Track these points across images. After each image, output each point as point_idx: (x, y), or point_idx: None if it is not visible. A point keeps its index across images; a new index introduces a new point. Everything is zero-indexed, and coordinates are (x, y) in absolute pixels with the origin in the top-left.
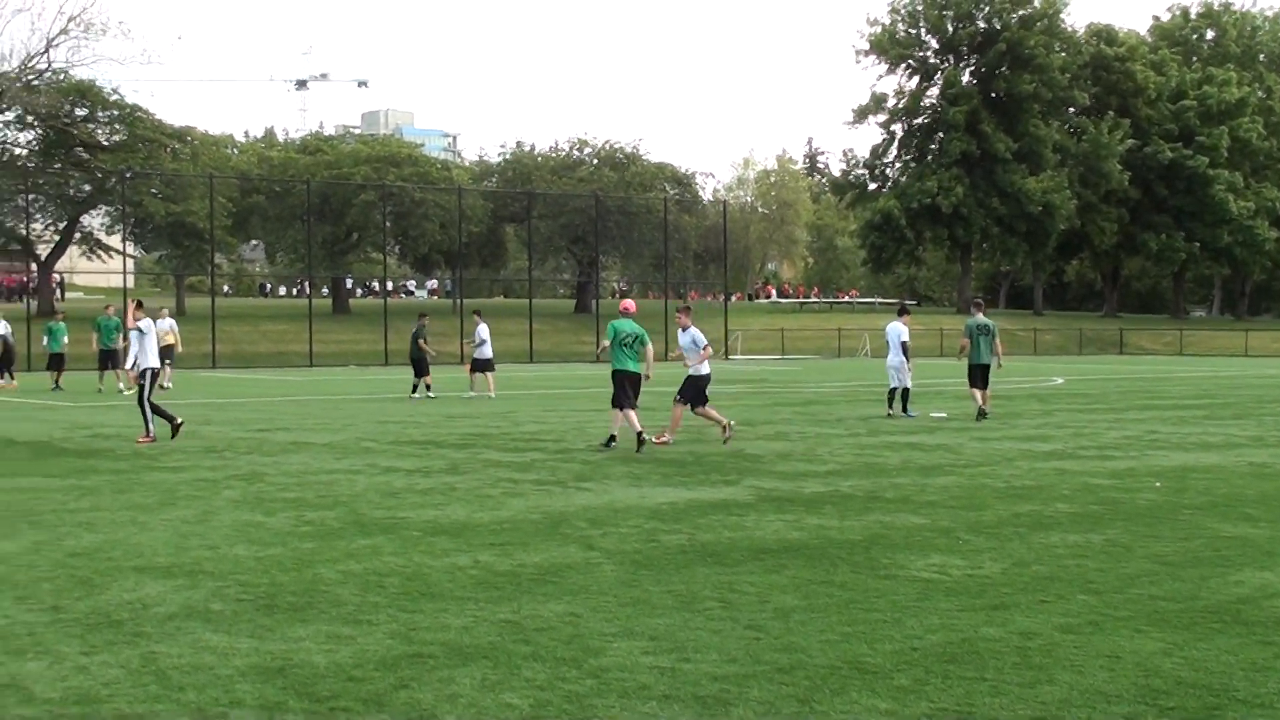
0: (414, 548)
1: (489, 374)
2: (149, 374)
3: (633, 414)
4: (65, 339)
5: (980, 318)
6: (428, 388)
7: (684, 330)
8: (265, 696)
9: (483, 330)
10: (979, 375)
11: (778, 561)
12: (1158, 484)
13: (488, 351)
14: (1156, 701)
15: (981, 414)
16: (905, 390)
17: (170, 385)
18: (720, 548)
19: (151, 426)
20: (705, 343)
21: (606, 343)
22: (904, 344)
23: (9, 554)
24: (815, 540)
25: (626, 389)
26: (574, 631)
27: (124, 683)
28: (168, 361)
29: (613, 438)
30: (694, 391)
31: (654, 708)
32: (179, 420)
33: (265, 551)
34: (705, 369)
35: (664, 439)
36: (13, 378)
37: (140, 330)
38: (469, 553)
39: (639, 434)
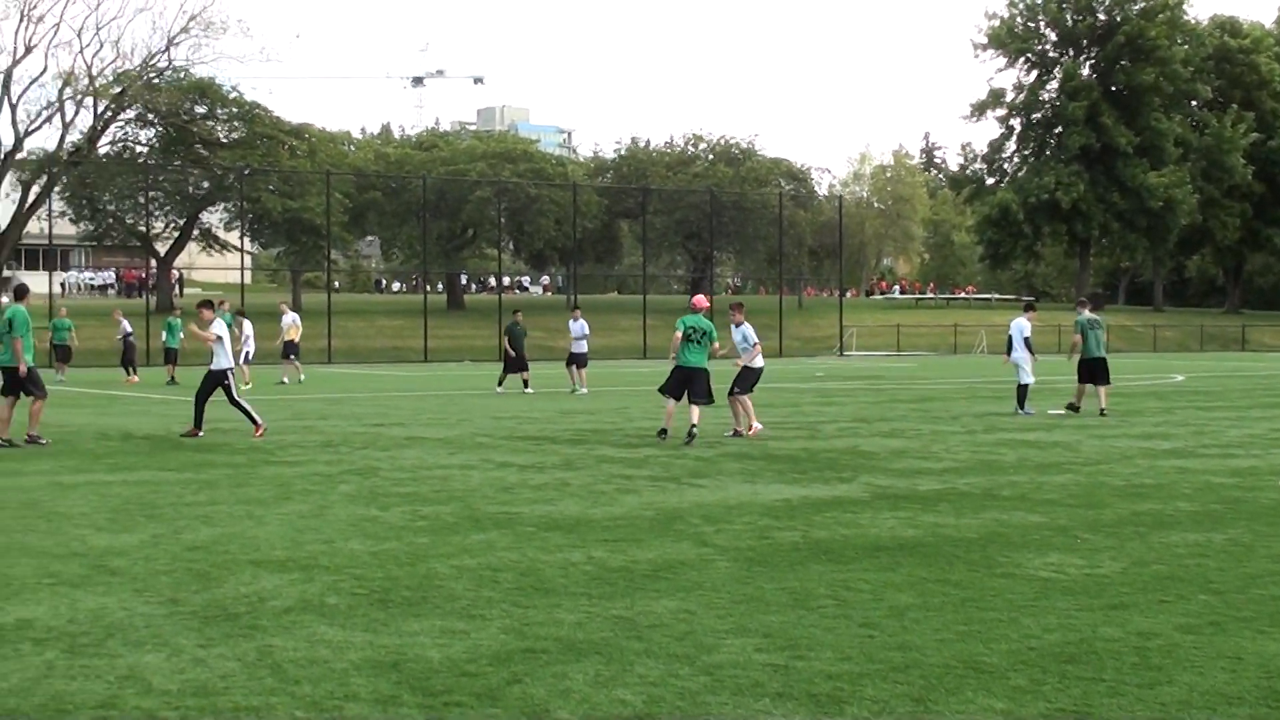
0: (528, 543)
1: (583, 369)
2: (229, 374)
3: (695, 409)
4: (182, 334)
5: (1088, 314)
6: (525, 384)
7: (736, 326)
8: (379, 690)
9: (582, 325)
10: (1099, 370)
11: (893, 559)
12: None
13: (584, 346)
14: (1279, 704)
15: (1073, 408)
16: (1024, 387)
17: (304, 378)
18: (835, 545)
19: (258, 419)
20: (756, 340)
21: (679, 334)
22: (1026, 339)
23: (127, 547)
24: (931, 538)
25: (680, 382)
26: (687, 628)
27: (240, 675)
28: (292, 356)
29: (663, 431)
30: (749, 384)
31: (767, 705)
32: (200, 433)
33: (380, 546)
34: (759, 363)
35: (755, 428)
36: (134, 373)
37: (219, 335)
38: (582, 548)
39: (691, 426)
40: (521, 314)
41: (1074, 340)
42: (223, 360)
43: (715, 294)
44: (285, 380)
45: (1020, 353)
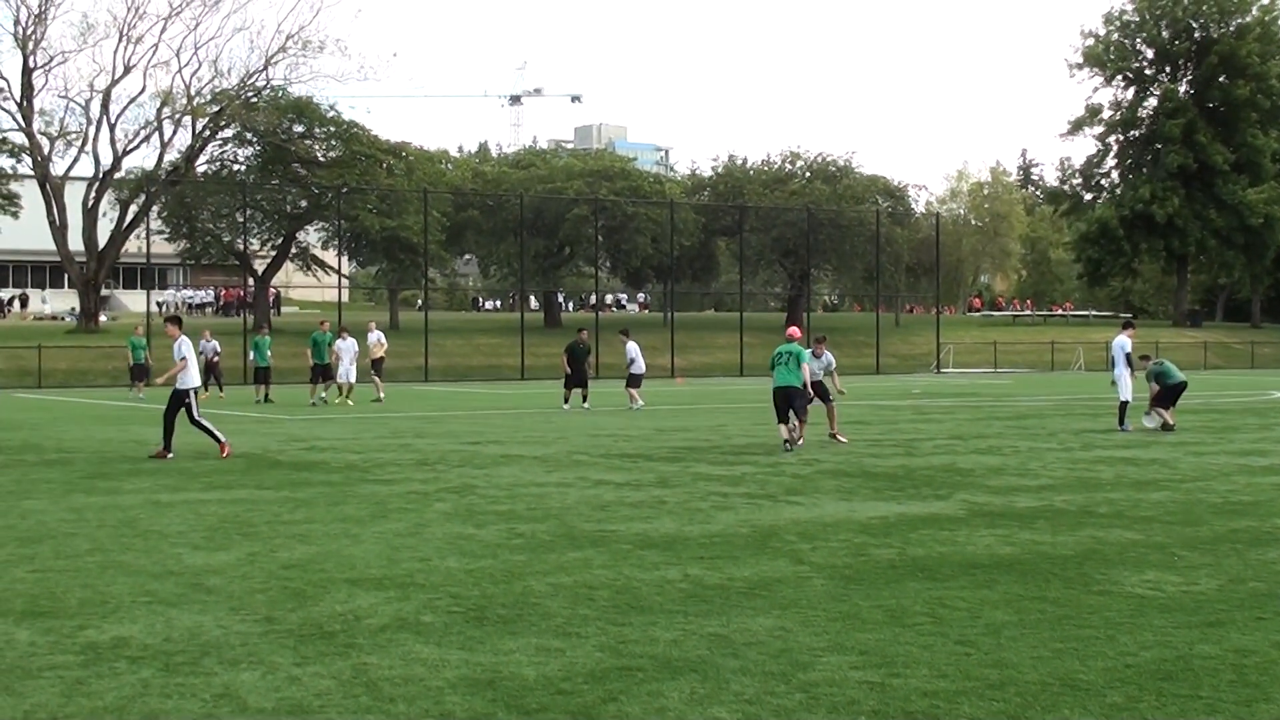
0: (624, 561)
1: (636, 389)
2: (192, 393)
3: (798, 423)
4: (269, 352)
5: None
6: (584, 399)
7: (819, 357)
8: (475, 709)
9: (631, 348)
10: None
11: (989, 576)
12: None
13: (640, 368)
14: None
15: (1167, 427)
16: (1124, 404)
17: (383, 396)
18: (931, 562)
19: (222, 438)
20: (835, 366)
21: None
22: (1127, 355)
23: (224, 565)
24: (1027, 555)
25: (779, 403)
26: (783, 645)
27: (335, 694)
28: (373, 373)
29: (786, 443)
30: (819, 393)
31: None
32: (224, 443)
33: (476, 564)
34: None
35: (840, 437)
36: (221, 389)
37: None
38: (678, 566)
39: (792, 438)
40: (586, 333)
41: (1153, 389)
42: (188, 380)
43: (811, 310)
44: (382, 398)
45: (1120, 369)
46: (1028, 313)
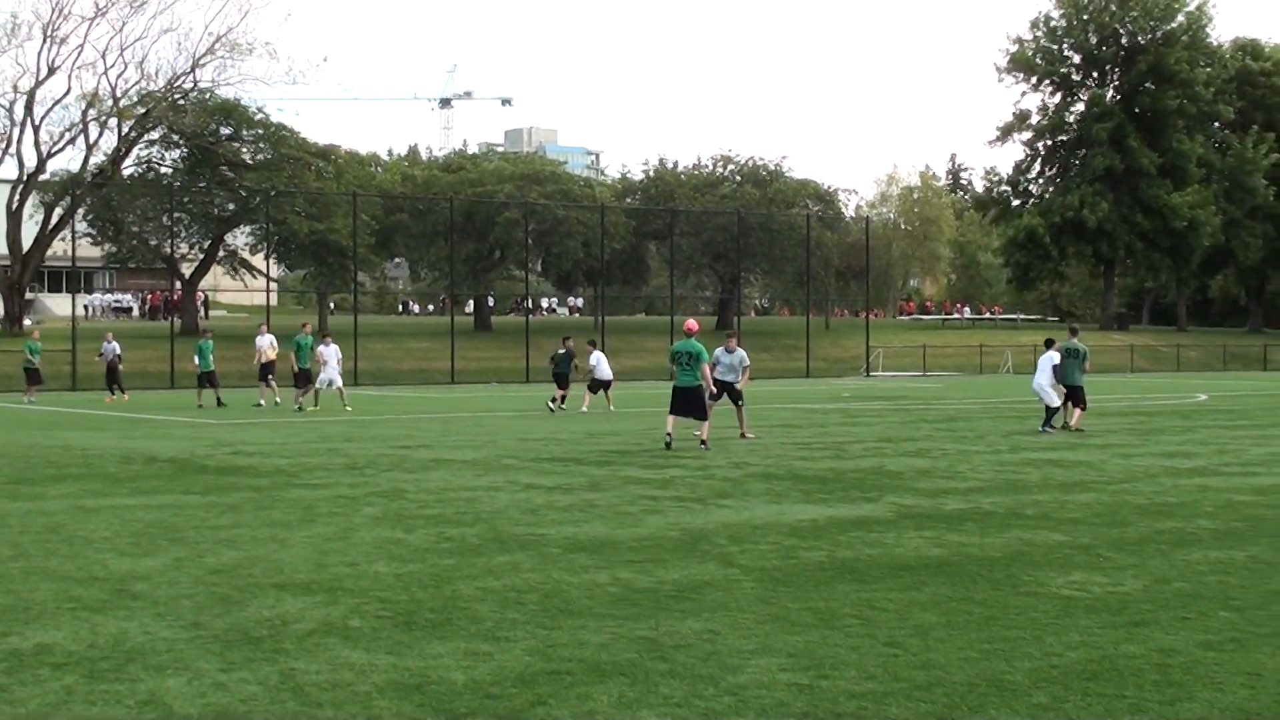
0: (553, 564)
1: (608, 392)
2: None
3: (705, 425)
4: (212, 356)
5: (1073, 342)
6: (561, 400)
7: (731, 353)
8: (403, 713)
9: (595, 356)
10: (1075, 396)
11: (917, 578)
12: None
13: (606, 374)
14: None
15: (1063, 425)
16: (1051, 410)
17: (280, 401)
18: (859, 564)
19: None
20: (749, 364)
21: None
22: (1055, 367)
23: (150, 571)
24: (955, 557)
25: (677, 401)
26: (712, 649)
27: (262, 699)
28: (270, 377)
29: (668, 441)
30: (731, 394)
31: None
32: None
33: (405, 568)
34: (732, 377)
35: (748, 434)
36: (120, 393)
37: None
38: (608, 569)
39: (702, 441)
40: (572, 341)
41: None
42: None
43: (743, 315)
44: (262, 403)
45: (1044, 376)
46: (956, 316)
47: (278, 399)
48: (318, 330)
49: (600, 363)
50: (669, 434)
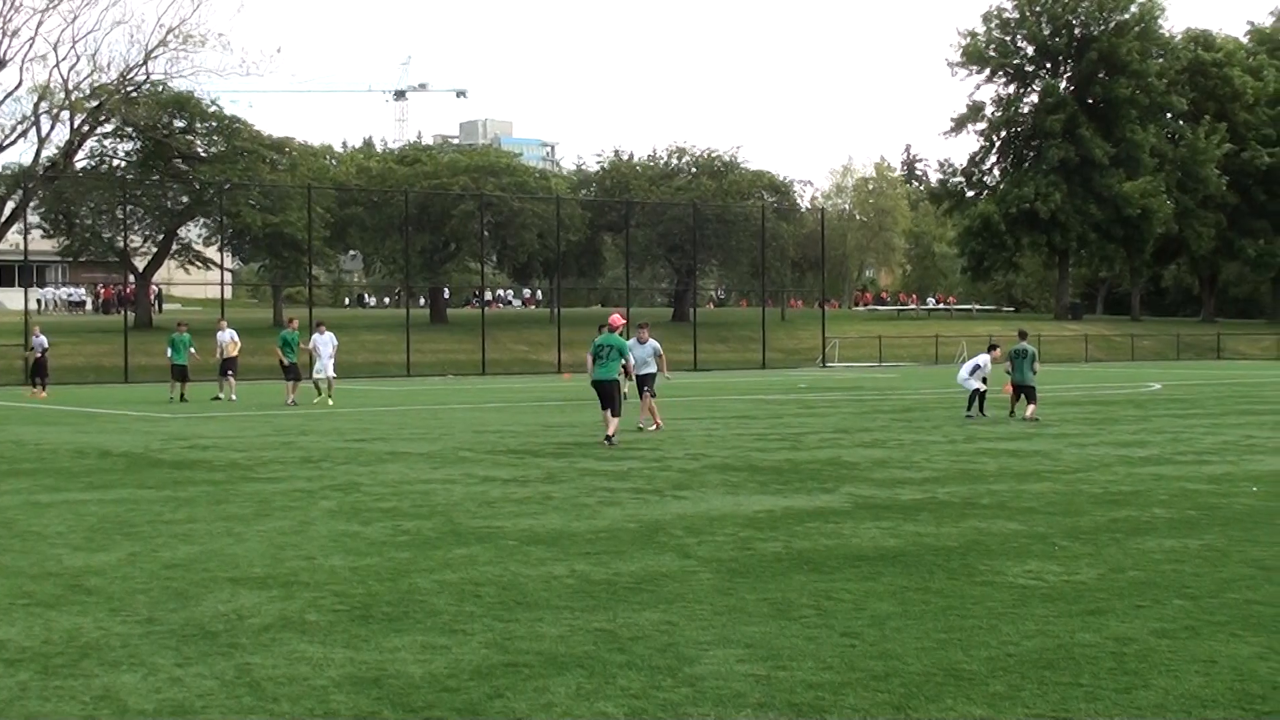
0: (510, 557)
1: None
2: None
3: (613, 421)
4: (186, 350)
5: (1024, 344)
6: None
7: (643, 344)
8: (360, 707)
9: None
10: (1026, 393)
11: (874, 569)
12: (1255, 489)
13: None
14: (1252, 706)
15: (1010, 414)
16: (978, 394)
17: (235, 398)
18: (816, 555)
19: None
20: (661, 351)
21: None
22: (978, 366)
23: (104, 566)
24: (912, 547)
25: (600, 396)
26: (669, 640)
27: (218, 694)
28: (230, 373)
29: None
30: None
31: (749, 716)
32: None
33: (361, 561)
34: (652, 368)
35: (650, 426)
36: (44, 388)
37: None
38: (565, 561)
39: (607, 437)
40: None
41: (1006, 366)
42: None
43: (699, 306)
44: (221, 397)
45: (964, 369)
46: (912, 307)
47: (234, 395)
48: (318, 324)
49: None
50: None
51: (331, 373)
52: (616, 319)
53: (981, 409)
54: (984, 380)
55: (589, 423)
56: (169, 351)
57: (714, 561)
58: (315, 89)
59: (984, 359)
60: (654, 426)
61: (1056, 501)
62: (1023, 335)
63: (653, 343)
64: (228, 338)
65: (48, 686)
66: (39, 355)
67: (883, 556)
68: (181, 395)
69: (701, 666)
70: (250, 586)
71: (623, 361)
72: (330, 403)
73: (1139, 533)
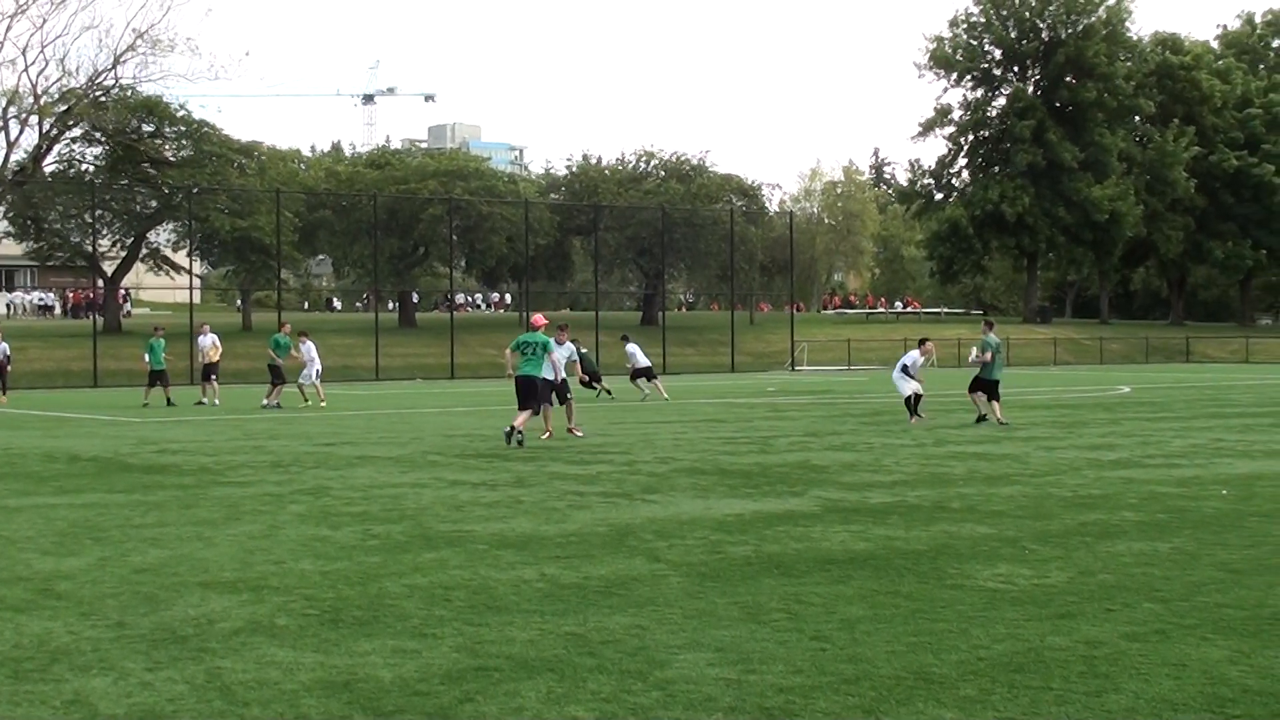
0: (480, 561)
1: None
2: None
3: (522, 414)
4: (163, 354)
5: (993, 336)
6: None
7: (560, 345)
8: (330, 711)
9: (631, 349)
10: (994, 388)
11: (844, 572)
12: (1224, 492)
13: (644, 361)
14: (1223, 710)
15: (982, 418)
16: (908, 398)
17: (219, 402)
18: (786, 559)
19: None
20: (576, 356)
21: (509, 353)
22: (905, 366)
23: (74, 570)
24: (881, 551)
25: (521, 392)
26: (639, 644)
27: (188, 699)
28: (213, 376)
29: (515, 432)
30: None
31: (720, 719)
32: None
33: (331, 566)
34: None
35: (576, 431)
36: (3, 392)
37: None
38: (535, 565)
39: (510, 428)
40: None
41: (984, 358)
42: None
43: (668, 310)
44: (204, 401)
45: (896, 370)
46: (881, 310)
47: (218, 400)
48: (298, 329)
49: (637, 353)
50: (515, 429)
51: (314, 379)
52: (539, 319)
53: (916, 409)
54: (919, 380)
55: (557, 426)
56: (146, 356)
57: (684, 565)
58: (284, 93)
59: (913, 357)
60: (546, 434)
61: (1026, 505)
62: (990, 326)
63: (570, 345)
64: (209, 342)
65: (18, 691)
66: (0, 361)
67: (853, 560)
68: (167, 399)
69: (672, 670)
70: (220, 591)
71: (550, 356)
72: (323, 404)
73: (1109, 536)
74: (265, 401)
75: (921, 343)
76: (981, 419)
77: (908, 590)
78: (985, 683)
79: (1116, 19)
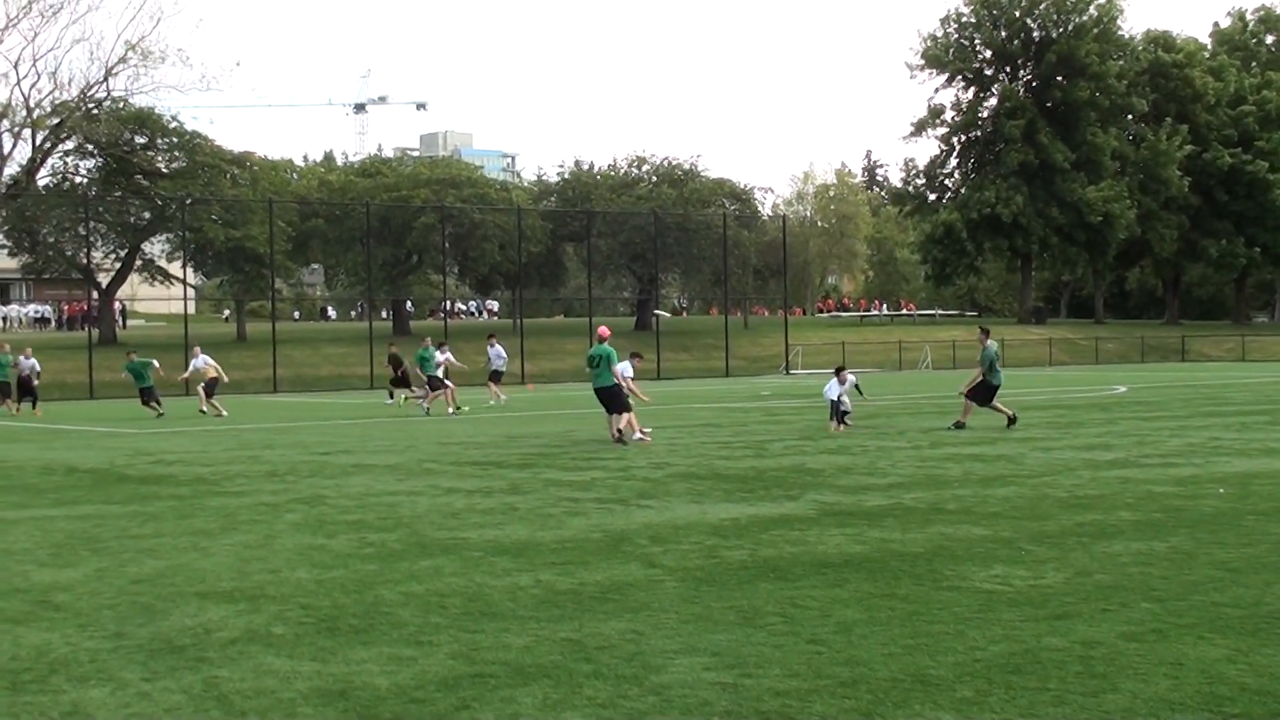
0: (475, 568)
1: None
2: None
3: (613, 419)
4: (147, 373)
5: (991, 345)
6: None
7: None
8: (327, 719)
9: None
10: (991, 393)
11: (840, 575)
12: (1221, 491)
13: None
14: (1221, 709)
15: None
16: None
17: (225, 413)
18: (782, 563)
19: None
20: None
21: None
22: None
23: (72, 581)
24: (877, 553)
25: (603, 401)
26: (635, 649)
27: (186, 708)
28: (213, 391)
29: (620, 436)
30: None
31: None
32: None
33: (327, 574)
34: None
35: (639, 434)
36: (35, 407)
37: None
38: (530, 572)
39: (616, 433)
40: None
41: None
42: None
43: (661, 315)
44: (205, 410)
45: (831, 383)
46: (875, 313)
47: (223, 411)
48: (438, 342)
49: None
50: (617, 434)
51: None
52: (605, 331)
53: (835, 417)
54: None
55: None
56: (132, 380)
57: (679, 570)
58: (275, 103)
59: (833, 385)
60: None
61: (1022, 506)
62: (986, 334)
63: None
64: (201, 363)
65: (17, 702)
66: (25, 376)
67: (849, 563)
68: (158, 412)
69: (668, 675)
70: (217, 600)
71: (612, 367)
72: (465, 409)
73: (1105, 536)
74: (421, 403)
75: (838, 371)
76: (958, 426)
77: (904, 593)
78: (982, 684)
79: (1108, 17)
